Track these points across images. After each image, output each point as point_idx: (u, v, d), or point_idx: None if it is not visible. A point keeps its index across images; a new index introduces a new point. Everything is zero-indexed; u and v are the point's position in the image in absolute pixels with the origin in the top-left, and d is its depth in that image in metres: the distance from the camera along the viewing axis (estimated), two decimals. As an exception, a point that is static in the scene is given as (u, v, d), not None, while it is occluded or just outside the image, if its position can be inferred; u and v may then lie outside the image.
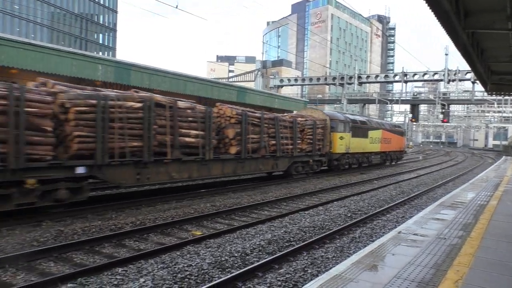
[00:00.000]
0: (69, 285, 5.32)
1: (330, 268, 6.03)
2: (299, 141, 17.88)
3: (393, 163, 31.75)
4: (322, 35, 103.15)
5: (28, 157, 8.18)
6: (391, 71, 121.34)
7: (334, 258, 6.97)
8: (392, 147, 29.97)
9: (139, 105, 10.42)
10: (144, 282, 5.43)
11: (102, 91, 9.99)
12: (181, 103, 11.90)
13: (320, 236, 8.17)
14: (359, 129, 23.93)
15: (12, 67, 12.96)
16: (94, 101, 9.38)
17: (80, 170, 9.25)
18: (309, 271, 6.26)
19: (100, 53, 67.57)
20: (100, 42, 75.41)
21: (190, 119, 12.01)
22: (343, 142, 21.85)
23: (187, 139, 11.83)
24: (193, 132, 12.07)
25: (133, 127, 10.25)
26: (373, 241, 8.00)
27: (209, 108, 12.81)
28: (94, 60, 15.96)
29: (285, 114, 18.46)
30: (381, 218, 10.76)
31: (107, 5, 75.70)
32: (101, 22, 75.11)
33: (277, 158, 16.35)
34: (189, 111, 12.00)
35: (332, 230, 8.84)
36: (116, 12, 78.11)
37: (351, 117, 24.60)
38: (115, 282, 5.46)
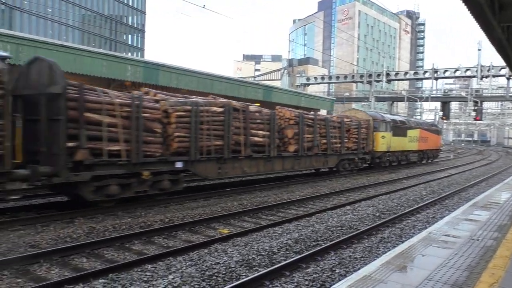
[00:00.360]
0: (100, 280, 5.45)
1: (359, 268, 5.96)
2: (346, 140, 19.40)
3: (430, 161, 32.59)
4: (349, 32, 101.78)
5: (144, 154, 10.10)
6: (421, 68, 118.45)
7: (362, 258, 6.88)
8: (429, 146, 31.11)
9: (220, 109, 12.27)
10: (173, 279, 5.51)
11: (191, 98, 11.93)
12: (251, 107, 13.75)
13: (348, 235, 8.08)
14: (399, 128, 25.23)
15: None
16: (189, 107, 11.27)
17: (179, 164, 11.16)
18: (337, 271, 6.19)
19: (129, 54, 68.98)
20: (129, 43, 76.99)
21: (258, 121, 13.88)
22: (385, 141, 23.27)
23: (256, 138, 13.70)
24: (261, 132, 13.94)
25: (216, 129, 12.13)
26: (402, 241, 7.85)
27: (273, 111, 14.68)
28: (124, 60, 16.30)
29: (311, 112, 18.52)
30: (410, 218, 10.53)
31: (135, 6, 77.18)
32: (129, 23, 76.65)
33: (327, 155, 18.04)
34: (257, 114, 13.86)
35: (360, 230, 8.72)
36: (144, 13, 79.54)
37: (392, 117, 26.00)
38: (145, 279, 5.57)
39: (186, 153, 11.27)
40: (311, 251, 6.92)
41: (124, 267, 5.96)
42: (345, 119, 19.64)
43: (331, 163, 18.70)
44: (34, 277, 5.66)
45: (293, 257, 6.65)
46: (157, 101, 10.82)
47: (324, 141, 17.62)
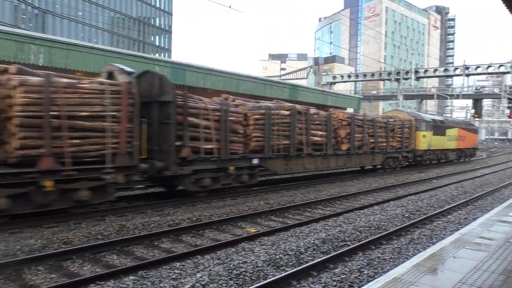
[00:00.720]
0: (130, 277, 5.56)
1: (388, 270, 5.87)
2: (391, 139, 20.62)
3: (467, 159, 33.39)
4: (376, 29, 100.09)
5: (230, 151, 11.79)
6: (451, 65, 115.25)
7: (391, 260, 6.75)
8: (467, 144, 32.01)
9: (287, 112, 13.89)
10: (200, 277, 5.56)
11: (263, 102, 13.63)
12: (311, 110, 15.24)
13: (377, 236, 7.94)
14: (439, 127, 26.31)
15: (77, 70, 13.76)
16: (263, 111, 12.95)
17: (255, 161, 12.85)
18: (365, 272, 6.10)
19: (157, 55, 70.11)
20: (157, 44, 78.26)
21: (317, 122, 15.32)
22: (426, 140, 24.39)
23: (315, 138, 15.16)
24: (319, 132, 15.41)
25: (284, 130, 13.71)
26: (433, 243, 7.66)
27: (329, 113, 16.24)
28: (151, 61, 16.57)
29: (339, 111, 18.54)
30: (441, 219, 10.26)
31: (162, 8, 78.37)
32: (157, 24, 77.89)
33: (374, 154, 19.28)
34: (315, 116, 15.28)
35: (389, 230, 8.56)
36: (170, 14, 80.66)
37: (432, 117, 27.38)
38: (173, 276, 5.64)
39: (260, 151, 12.98)
40: (338, 252, 6.84)
41: (153, 265, 6.06)
42: (390, 120, 20.71)
43: (377, 161, 19.91)
44: (68, 273, 5.83)
45: (320, 257, 6.60)
46: (236, 106, 12.46)
47: (372, 140, 18.85)
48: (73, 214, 8.83)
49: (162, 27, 79.11)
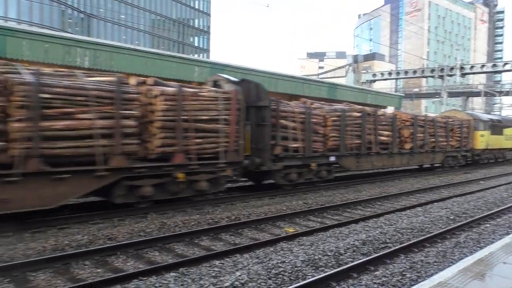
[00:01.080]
0: (171, 274, 5.69)
1: (432, 274, 5.67)
2: (450, 139, 21.43)
3: None
4: (418, 25, 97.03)
5: (312, 150, 13.27)
6: (500, 60, 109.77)
7: (435, 264, 6.51)
8: None
9: (359, 114, 15.08)
10: (240, 275, 5.59)
11: (336, 105, 15.09)
12: (379, 111, 16.45)
13: (420, 239, 7.69)
14: (496, 127, 26.72)
15: (120, 71, 14.23)
16: (339, 113, 14.20)
17: (332, 158, 14.20)
18: (408, 275, 5.92)
19: (196, 55, 71.32)
20: (196, 44, 79.62)
21: (383, 123, 16.38)
22: (483, 139, 24.85)
23: (382, 137, 16.24)
24: (385, 132, 16.47)
25: (356, 130, 14.91)
26: (481, 247, 7.32)
27: (394, 114, 17.35)
28: (191, 62, 16.88)
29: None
30: (489, 222, 9.79)
31: (201, 9, 79.61)
32: (196, 25, 79.22)
33: (435, 152, 20.25)
34: (382, 117, 16.37)
35: (433, 233, 8.26)
36: (209, 15, 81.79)
37: (489, 116, 28.18)
38: (213, 274, 5.71)
39: (336, 149, 14.24)
40: (379, 254, 6.68)
41: (194, 262, 6.16)
42: (449, 120, 21.52)
43: (438, 160, 20.94)
44: (112, 268, 6.04)
45: (360, 259, 6.48)
46: (315, 109, 13.80)
47: (433, 139, 19.75)
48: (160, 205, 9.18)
49: (201, 28, 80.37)
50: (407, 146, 17.85)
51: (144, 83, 9.62)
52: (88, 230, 7.82)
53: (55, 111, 7.65)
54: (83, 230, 7.77)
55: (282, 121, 12.37)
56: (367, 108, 15.86)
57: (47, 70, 8.13)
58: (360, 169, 16.06)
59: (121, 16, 64.13)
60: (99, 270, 5.91)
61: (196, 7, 78.78)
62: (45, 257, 6.05)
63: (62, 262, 6.04)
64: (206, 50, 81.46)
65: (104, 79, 8.66)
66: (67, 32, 46.38)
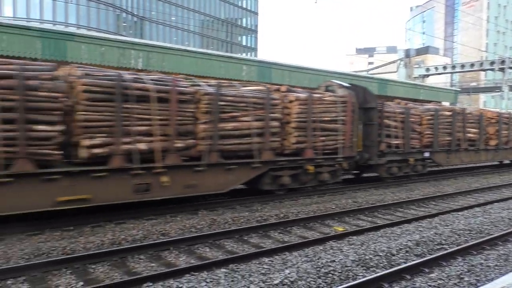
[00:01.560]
0: (222, 269, 5.79)
1: (493, 278, 5.37)
2: None
3: None
4: (476, 15, 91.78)
5: (410, 146, 14.70)
6: None
7: (497, 267, 6.15)
8: None
9: (449, 113, 16.47)
10: (289, 273, 5.59)
11: (426, 105, 16.55)
12: (466, 110, 17.63)
13: (479, 241, 7.31)
14: None
15: (172, 72, 14.67)
16: (432, 112, 15.60)
17: (426, 154, 15.54)
18: (466, 279, 5.64)
19: (243, 54, 71.94)
20: (243, 44, 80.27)
21: (471, 121, 17.58)
22: None
23: (469, 134, 17.44)
24: (472, 130, 17.62)
25: (446, 128, 16.22)
26: (547, 251, 6.84)
27: (481, 113, 18.31)
28: (239, 61, 17.06)
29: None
30: (557, 224, 9.10)
31: (248, 8, 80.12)
32: (243, 25, 79.86)
33: None
34: (469, 115, 17.56)
35: (493, 235, 7.82)
36: (256, 14, 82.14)
37: None
38: (262, 271, 5.75)
39: (430, 146, 15.60)
40: (434, 255, 6.43)
41: (243, 259, 6.24)
42: None
43: None
44: (165, 263, 6.26)
45: (414, 260, 6.27)
46: (412, 109, 15.09)
47: None
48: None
49: (249, 27, 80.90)
50: (492, 142, 18.84)
51: (278, 90, 11.32)
52: (143, 225, 8.14)
53: (227, 115, 9.67)
54: (138, 226, 8.10)
55: (386, 120, 13.93)
56: (456, 107, 17.50)
57: (213, 82, 10.12)
58: (449, 164, 17.31)
59: (172, 18, 65.94)
60: (153, 264, 6.14)
61: (244, 6, 79.38)
62: (103, 251, 6.38)
63: (119, 256, 6.34)
64: (254, 49, 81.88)
65: (256, 88, 10.80)
66: (121, 35, 48.46)
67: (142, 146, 8.36)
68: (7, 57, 10.67)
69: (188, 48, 16.15)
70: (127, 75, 8.40)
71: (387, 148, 13.90)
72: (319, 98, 11.74)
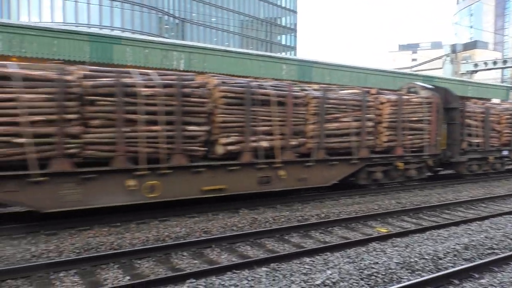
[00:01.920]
0: (263, 268, 5.81)
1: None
2: None
3: None
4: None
5: (490, 145, 15.33)
6: None
7: (554, 275, 5.79)
8: None
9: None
10: (331, 274, 5.52)
11: (504, 104, 17.44)
12: None
13: (533, 246, 6.91)
14: None
15: (212, 72, 14.88)
16: (511, 111, 16.20)
17: (504, 152, 16.19)
18: (520, 286, 5.36)
19: (283, 54, 71.77)
20: (283, 43, 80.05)
21: None
22: None
23: None
24: None
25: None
26: None
27: None
28: (279, 60, 17.06)
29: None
30: None
31: (287, 7, 79.81)
32: (283, 24, 79.63)
33: None
34: None
35: (550, 240, 7.37)
36: (295, 12, 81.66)
37: None
38: (304, 271, 5.72)
39: (508, 144, 16.10)
40: (485, 260, 6.15)
41: (284, 258, 6.23)
42: None
43: None
44: (207, 260, 6.36)
45: (462, 265, 6.02)
46: (491, 108, 15.68)
47: None
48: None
49: (288, 26, 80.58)
50: None
51: (368, 92, 11.98)
52: (185, 223, 8.31)
53: (331, 116, 10.81)
54: (181, 223, 8.28)
55: (467, 120, 14.49)
56: None
57: (315, 86, 11.34)
58: None
59: (212, 19, 66.85)
60: (195, 261, 6.26)
61: (283, 5, 79.15)
62: (148, 247, 6.58)
63: (163, 252, 6.51)
64: (293, 48, 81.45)
65: (352, 91, 11.84)
66: (164, 37, 49.70)
67: (265, 143, 9.69)
68: (58, 60, 11.22)
69: (229, 49, 16.33)
70: (252, 82, 9.69)
71: (468, 147, 14.49)
72: (407, 99, 12.62)
